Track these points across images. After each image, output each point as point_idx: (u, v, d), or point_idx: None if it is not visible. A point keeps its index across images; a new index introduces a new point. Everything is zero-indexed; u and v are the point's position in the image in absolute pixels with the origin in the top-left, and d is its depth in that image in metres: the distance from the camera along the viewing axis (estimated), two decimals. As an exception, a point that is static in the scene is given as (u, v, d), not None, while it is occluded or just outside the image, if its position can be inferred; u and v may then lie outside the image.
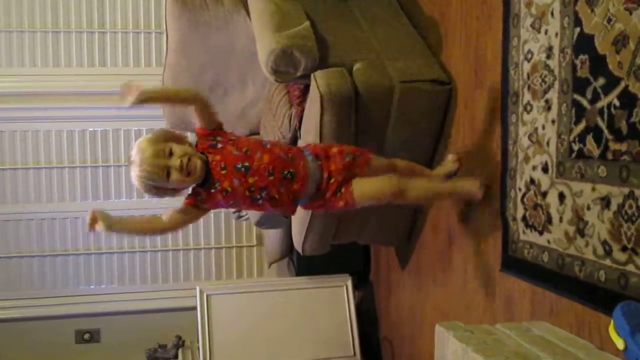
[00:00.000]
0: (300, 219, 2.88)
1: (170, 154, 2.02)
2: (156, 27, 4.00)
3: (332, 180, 2.22)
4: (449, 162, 2.60)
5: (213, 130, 2.16)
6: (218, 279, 4.17)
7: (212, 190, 2.10)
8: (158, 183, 2.02)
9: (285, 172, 2.15)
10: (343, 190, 2.22)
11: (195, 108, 2.12)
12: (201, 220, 4.09)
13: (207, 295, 3.56)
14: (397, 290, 3.43)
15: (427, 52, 2.84)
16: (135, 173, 2.02)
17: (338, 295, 3.64)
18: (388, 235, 3.18)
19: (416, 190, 2.34)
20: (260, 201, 2.15)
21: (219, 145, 2.13)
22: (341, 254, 3.44)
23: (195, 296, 3.57)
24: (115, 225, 2.05)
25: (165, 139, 2.06)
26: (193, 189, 2.14)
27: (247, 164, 2.10)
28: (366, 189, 2.25)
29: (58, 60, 3.96)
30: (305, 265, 3.66)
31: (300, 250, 3.05)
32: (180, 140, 2.10)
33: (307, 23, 2.70)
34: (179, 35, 3.21)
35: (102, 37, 3.99)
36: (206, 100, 2.16)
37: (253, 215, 3.33)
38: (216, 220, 4.14)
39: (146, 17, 4.03)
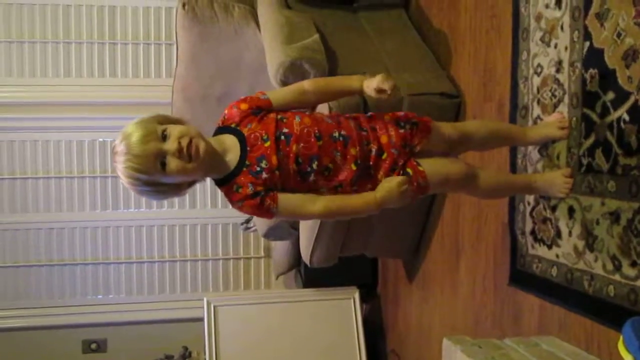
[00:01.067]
0: (308, 230, 2.88)
1: (165, 136, 1.58)
2: (166, 38, 4.03)
3: (384, 156, 1.76)
4: (553, 124, 2.03)
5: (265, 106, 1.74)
6: (225, 290, 4.17)
7: (252, 175, 1.64)
8: (152, 177, 1.58)
9: (336, 133, 1.72)
10: (409, 170, 1.76)
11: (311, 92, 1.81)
12: (209, 231, 4.13)
13: (214, 307, 3.56)
14: (404, 303, 3.42)
15: (435, 65, 2.84)
16: (120, 166, 1.56)
17: (345, 307, 3.64)
18: (396, 247, 3.18)
19: (489, 179, 1.96)
20: (312, 176, 1.68)
21: (262, 114, 1.71)
22: (349, 266, 3.44)
23: (203, 307, 3.57)
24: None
25: (158, 121, 1.63)
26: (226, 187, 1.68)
27: (286, 130, 1.68)
28: (437, 168, 1.82)
29: (69, 70, 3.98)
30: (313, 277, 3.66)
31: (307, 262, 3.05)
32: (177, 122, 1.68)
33: (316, 35, 2.71)
34: (189, 47, 3.22)
35: (112, 48, 4.02)
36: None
37: (261, 226, 3.33)
38: (224, 231, 4.14)
39: (156, 28, 4.06)
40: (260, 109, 1.72)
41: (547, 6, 2.09)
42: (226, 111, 1.74)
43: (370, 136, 1.77)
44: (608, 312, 1.78)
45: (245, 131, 1.69)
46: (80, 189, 4.02)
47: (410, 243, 3.13)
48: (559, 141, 2.01)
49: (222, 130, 1.73)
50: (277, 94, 1.79)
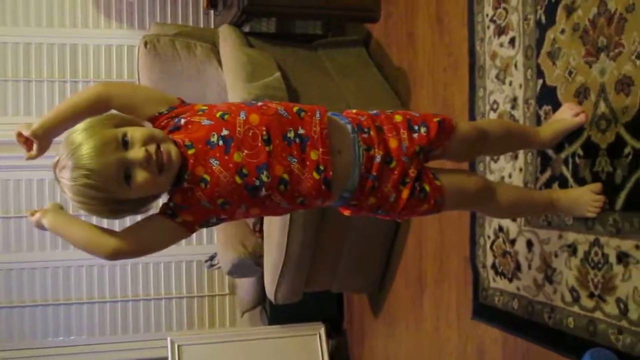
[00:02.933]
0: (272, 267, 2.87)
1: (125, 142, 1.30)
2: (129, 76, 4.02)
3: (392, 164, 1.48)
4: (565, 114, 1.79)
5: (171, 110, 1.41)
6: (190, 328, 4.11)
7: (184, 186, 1.35)
8: (112, 194, 1.30)
9: (291, 133, 1.40)
10: (427, 186, 1.51)
11: (114, 102, 1.40)
12: (172, 268, 4.08)
13: (178, 346, 3.50)
14: (370, 338, 3.41)
15: (396, 102, 2.89)
16: (69, 183, 1.27)
17: (312, 343, 3.61)
18: (360, 282, 3.18)
19: (508, 194, 1.72)
20: (262, 191, 1.37)
21: (182, 121, 1.39)
22: (314, 301, 3.43)
23: (167, 347, 3.51)
24: (56, 217, 1.40)
25: (111, 124, 1.34)
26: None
27: (226, 133, 1.36)
28: (455, 182, 1.58)
29: (29, 109, 3.94)
30: (279, 313, 3.63)
31: (272, 299, 3.03)
32: (135, 123, 1.39)
33: (278, 74, 2.74)
34: (151, 85, 3.22)
35: (74, 87, 3.99)
36: (119, 85, 1.59)
37: (225, 263, 3.32)
38: (188, 269, 4.10)
39: (119, 66, 4.05)
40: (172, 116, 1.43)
41: (501, 45, 2.16)
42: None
43: (375, 139, 1.47)
44: (568, 343, 1.81)
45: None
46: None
47: (374, 278, 3.14)
48: (571, 137, 1.80)
49: None
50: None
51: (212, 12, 3.83)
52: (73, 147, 1.27)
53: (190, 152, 1.35)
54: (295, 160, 1.39)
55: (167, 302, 4.10)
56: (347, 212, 1.58)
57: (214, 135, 1.37)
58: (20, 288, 3.93)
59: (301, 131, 1.41)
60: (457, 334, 2.46)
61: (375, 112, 1.56)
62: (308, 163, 1.40)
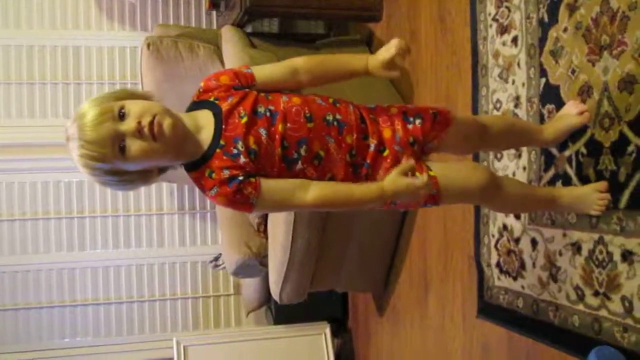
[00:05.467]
0: (277, 266, 2.88)
1: (123, 115, 1.35)
2: (132, 78, 4.02)
3: (385, 153, 1.52)
4: (569, 112, 1.78)
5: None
6: (195, 329, 4.11)
7: (227, 157, 1.40)
8: (111, 165, 1.35)
9: (330, 117, 1.48)
10: (419, 174, 1.49)
11: None
12: (177, 269, 4.09)
13: (184, 347, 3.52)
14: (375, 337, 3.41)
15: (399, 101, 2.89)
16: (74, 154, 1.35)
17: (317, 343, 3.62)
18: (365, 281, 3.18)
19: (514, 190, 1.69)
20: (298, 164, 1.44)
21: (244, 90, 1.48)
22: (319, 301, 3.43)
23: (172, 347, 3.53)
24: None
25: (116, 97, 1.40)
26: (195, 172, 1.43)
27: (271, 107, 1.45)
28: (453, 175, 1.56)
29: (33, 111, 3.94)
30: (284, 313, 3.64)
31: (277, 299, 3.03)
32: (142, 96, 1.45)
33: (281, 74, 2.74)
34: (154, 86, 3.23)
35: (77, 89, 3.99)
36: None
37: (229, 264, 3.32)
38: (192, 269, 4.10)
39: (121, 68, 4.05)
40: (241, 85, 1.48)
41: (504, 44, 2.16)
42: (202, 83, 1.50)
43: (369, 129, 1.52)
44: (573, 341, 1.81)
45: (223, 106, 1.44)
46: (45, 230, 3.95)
47: (379, 277, 3.15)
48: (574, 135, 1.79)
49: (197, 104, 1.49)
50: (263, 69, 1.53)
51: (214, 12, 3.83)
52: (77, 116, 1.35)
53: (243, 120, 1.41)
54: (333, 140, 1.47)
55: (172, 302, 4.11)
56: None
57: (260, 106, 1.44)
58: (26, 290, 3.94)
59: (339, 117, 1.49)
60: (462, 332, 2.46)
61: (372, 106, 1.61)
62: (343, 145, 1.47)
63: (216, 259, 3.75)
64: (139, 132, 1.33)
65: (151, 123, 1.33)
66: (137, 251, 4.06)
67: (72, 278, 3.99)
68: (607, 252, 1.68)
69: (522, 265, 2.06)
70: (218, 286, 4.15)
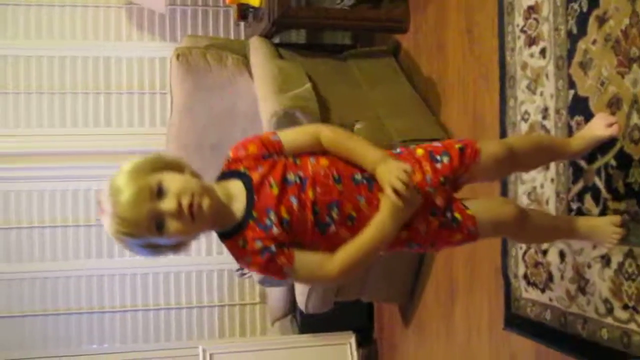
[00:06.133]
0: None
1: (161, 191, 1.34)
2: (160, 87, 4.08)
3: None
4: (599, 124, 1.78)
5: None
6: (221, 337, 4.14)
7: (260, 228, 1.40)
8: (146, 240, 1.37)
9: (358, 175, 1.48)
10: (458, 215, 1.51)
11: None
12: (204, 277, 4.13)
13: (209, 354, 3.54)
14: (401, 348, 3.41)
15: (426, 112, 2.90)
16: (108, 227, 1.36)
17: (342, 353, 3.62)
18: (391, 292, 3.18)
19: (539, 221, 1.73)
20: (332, 227, 1.44)
21: (273, 158, 1.47)
22: (344, 311, 3.43)
23: (198, 355, 3.55)
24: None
25: (152, 168, 1.38)
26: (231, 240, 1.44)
27: (300, 173, 1.45)
28: (487, 211, 1.57)
29: (64, 121, 4.01)
30: (309, 322, 3.65)
31: (303, 308, 3.05)
32: (177, 167, 1.43)
33: (308, 84, 2.77)
34: (183, 97, 3.27)
35: (107, 98, 4.06)
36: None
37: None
38: (219, 278, 4.14)
39: (150, 78, 4.11)
40: (270, 153, 1.48)
41: (532, 55, 2.16)
42: (231, 153, 1.50)
43: None
44: (602, 355, 1.79)
45: (254, 176, 1.44)
46: (74, 238, 4.02)
47: (405, 288, 3.14)
48: (603, 147, 1.78)
49: (227, 175, 1.49)
50: (290, 136, 1.53)
51: (242, 24, 3.87)
52: (113, 191, 1.34)
53: (274, 191, 1.41)
54: (364, 198, 1.46)
55: (199, 310, 4.14)
56: (380, 252, 1.56)
57: (290, 173, 1.44)
58: (55, 296, 4.00)
59: (367, 174, 1.48)
60: (489, 344, 2.45)
61: (398, 150, 1.61)
62: (375, 202, 1.46)
63: (242, 267, 3.77)
64: (178, 214, 1.33)
65: (190, 205, 1.33)
66: (164, 259, 4.09)
67: (101, 285, 4.04)
68: (637, 265, 1.67)
69: (550, 278, 2.05)
70: (244, 295, 4.17)
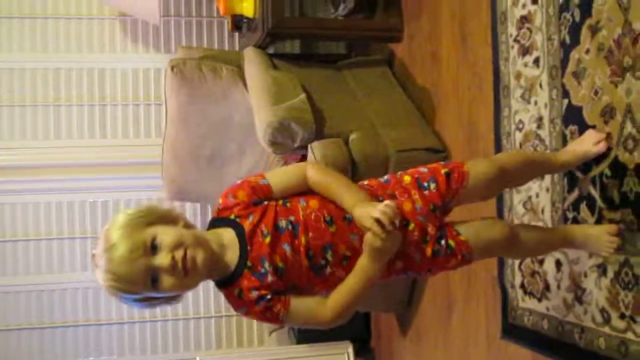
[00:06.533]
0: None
1: (155, 247, 1.35)
2: (155, 99, 4.07)
3: (410, 227, 1.51)
4: (587, 140, 1.81)
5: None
6: (218, 348, 4.13)
7: (255, 277, 1.41)
8: (140, 294, 1.38)
9: (349, 215, 1.46)
10: (451, 242, 1.53)
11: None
12: (200, 289, 4.10)
13: (207, 366, 3.53)
14: (398, 357, 3.40)
15: (421, 121, 2.90)
16: (101, 281, 1.36)
17: (339, 363, 3.61)
18: (388, 302, 3.18)
19: (531, 237, 1.72)
20: (327, 268, 1.45)
21: (263, 204, 1.47)
22: (341, 321, 3.42)
23: (195, 366, 3.55)
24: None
25: (146, 222, 1.39)
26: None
27: (292, 217, 1.45)
28: (479, 233, 1.57)
29: (59, 132, 4.00)
30: (306, 333, 3.63)
31: (300, 319, 3.03)
32: (170, 219, 1.45)
33: (303, 95, 2.77)
34: (178, 108, 3.27)
35: (102, 110, 4.06)
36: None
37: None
38: (216, 289, 4.13)
39: (145, 89, 4.11)
40: (260, 199, 1.48)
41: (525, 65, 2.16)
42: (221, 200, 1.50)
43: None
44: (600, 364, 1.79)
45: (245, 225, 1.44)
46: (70, 250, 4.00)
47: (401, 297, 3.14)
48: (597, 157, 1.80)
49: (218, 222, 1.49)
50: (278, 179, 1.52)
51: (236, 34, 3.88)
52: (107, 247, 1.34)
53: (267, 240, 1.42)
54: (357, 236, 1.45)
55: (196, 321, 4.13)
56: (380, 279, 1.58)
57: (281, 220, 1.44)
58: (52, 309, 3.99)
59: None
60: (486, 354, 2.45)
61: (385, 178, 1.61)
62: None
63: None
64: (172, 269, 1.34)
65: (184, 258, 1.35)
66: (160, 270, 4.09)
67: (97, 297, 4.02)
68: (633, 274, 1.67)
69: (547, 287, 2.05)
70: (241, 305, 4.16)
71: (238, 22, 3.46)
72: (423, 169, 1.60)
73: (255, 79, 2.93)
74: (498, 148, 2.33)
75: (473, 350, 2.56)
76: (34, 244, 3.98)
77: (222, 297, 4.11)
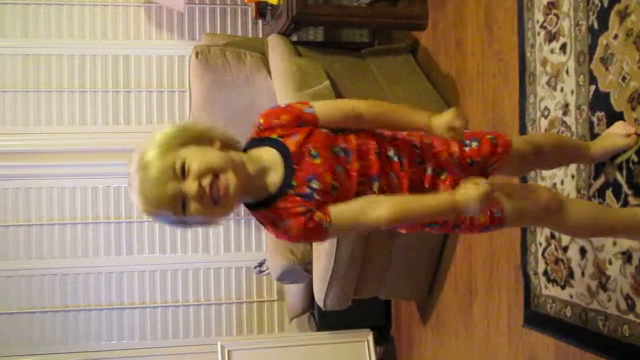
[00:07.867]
0: (321, 273, 2.90)
1: (184, 171, 1.30)
2: (179, 86, 4.10)
3: (443, 176, 1.50)
4: (617, 133, 1.79)
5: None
6: (239, 334, 4.16)
7: (300, 197, 1.36)
8: (171, 217, 1.34)
9: (391, 152, 1.46)
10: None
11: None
12: (222, 274, 4.15)
13: (228, 351, 3.56)
14: (419, 345, 3.40)
15: (445, 109, 2.88)
16: (136, 202, 1.33)
17: (359, 350, 3.63)
18: (409, 289, 3.18)
19: (581, 212, 1.63)
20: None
21: (308, 127, 1.41)
22: (362, 308, 3.44)
23: (217, 352, 3.58)
24: None
25: (181, 142, 1.32)
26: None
27: (343, 145, 1.42)
28: (516, 195, 1.54)
29: (84, 118, 4.05)
30: (327, 320, 3.66)
31: (321, 305, 3.05)
32: (206, 139, 1.36)
33: (327, 82, 2.77)
34: (202, 94, 3.29)
35: (126, 96, 4.09)
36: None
37: (274, 269, 3.35)
38: (237, 274, 4.15)
39: (169, 76, 4.14)
40: (304, 124, 1.41)
41: (552, 51, 2.15)
42: (261, 120, 1.42)
43: (425, 154, 1.49)
44: (623, 351, 1.78)
45: (290, 144, 1.38)
46: (95, 234, 4.05)
47: (423, 285, 3.14)
48: (628, 151, 1.78)
49: (258, 142, 1.41)
50: (325, 110, 1.45)
51: (260, 21, 3.88)
52: (139, 166, 1.30)
53: (317, 161, 1.37)
54: (395, 175, 1.44)
55: (217, 307, 4.16)
56: (403, 230, 1.59)
57: (333, 145, 1.41)
58: (76, 293, 4.04)
59: (399, 152, 1.46)
60: (508, 342, 2.44)
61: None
62: (405, 181, 1.45)
63: (260, 264, 3.78)
64: (199, 196, 1.29)
65: (212, 186, 1.29)
66: (182, 256, 4.13)
67: (120, 282, 4.07)
68: (659, 262, 1.66)
69: (571, 274, 2.04)
70: (262, 292, 4.19)
71: (262, 9, 3.47)
72: (466, 131, 1.52)
73: (279, 66, 2.94)
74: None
75: (494, 338, 2.55)
76: (59, 228, 4.03)
77: (243, 283, 4.15)
